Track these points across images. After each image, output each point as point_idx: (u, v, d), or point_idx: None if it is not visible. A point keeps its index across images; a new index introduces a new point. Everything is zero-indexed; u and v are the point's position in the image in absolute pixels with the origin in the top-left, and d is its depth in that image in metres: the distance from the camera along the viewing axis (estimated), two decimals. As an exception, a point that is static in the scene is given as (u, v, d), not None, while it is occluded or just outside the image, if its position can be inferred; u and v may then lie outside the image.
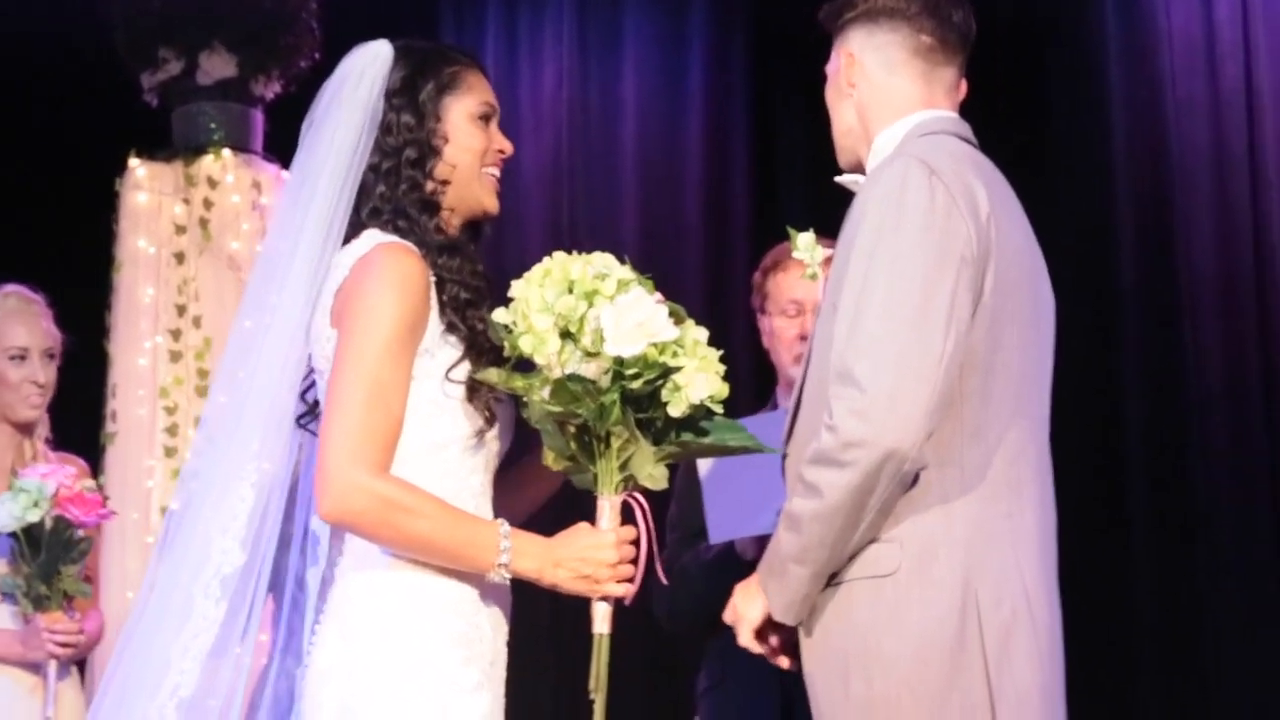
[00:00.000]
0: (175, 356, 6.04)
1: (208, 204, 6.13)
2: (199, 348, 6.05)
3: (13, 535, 4.20)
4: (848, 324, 2.85)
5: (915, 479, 2.85)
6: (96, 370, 6.10)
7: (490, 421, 3.00)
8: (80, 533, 4.24)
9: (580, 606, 3.02)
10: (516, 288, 2.90)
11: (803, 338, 4.18)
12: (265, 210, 6.15)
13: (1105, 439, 6.15)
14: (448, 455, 2.97)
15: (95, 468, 5.61)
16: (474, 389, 2.97)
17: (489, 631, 3.00)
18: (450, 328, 2.99)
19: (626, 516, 2.97)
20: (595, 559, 2.92)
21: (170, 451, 5.97)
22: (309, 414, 3.11)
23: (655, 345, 2.82)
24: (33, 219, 6.60)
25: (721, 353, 2.94)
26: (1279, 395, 6.10)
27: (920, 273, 2.83)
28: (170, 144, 6.32)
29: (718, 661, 4.18)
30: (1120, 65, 6.47)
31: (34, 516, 4.16)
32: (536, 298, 2.85)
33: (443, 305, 2.99)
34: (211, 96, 6.27)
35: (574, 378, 2.83)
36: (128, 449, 6.03)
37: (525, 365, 2.96)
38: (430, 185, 3.08)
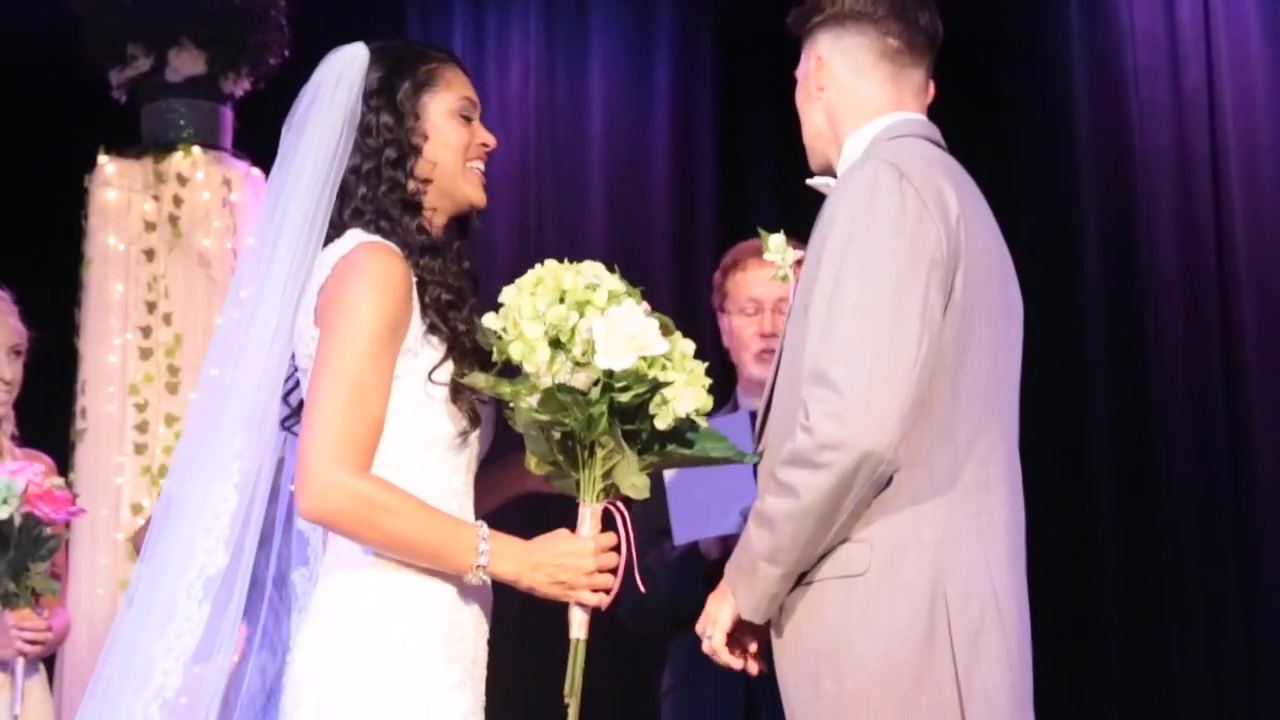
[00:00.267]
0: (145, 353, 6.03)
1: (177, 201, 6.11)
2: (169, 344, 6.03)
3: None
4: (820, 326, 2.87)
5: (888, 480, 2.88)
6: (66, 367, 6.09)
7: (475, 422, 3.02)
8: (49, 530, 4.24)
9: (552, 608, 3.04)
10: (507, 294, 2.90)
11: (763, 336, 4.21)
12: (235, 207, 6.14)
13: (1070, 437, 6.19)
14: (431, 455, 2.99)
15: (64, 465, 5.62)
16: (458, 390, 2.99)
17: (471, 630, 3.01)
18: (432, 329, 3.00)
19: (607, 524, 2.99)
20: (573, 565, 2.94)
21: (140, 448, 5.96)
22: (292, 416, 3.11)
23: (645, 359, 2.84)
24: (1, 216, 6.58)
25: (707, 365, 2.96)
26: (1241, 393, 6.15)
27: (892, 275, 2.86)
28: (139, 141, 6.30)
29: (683, 660, 4.19)
30: (1084, 66, 6.51)
31: (3, 514, 4.15)
32: (528, 306, 2.85)
33: (424, 307, 3.01)
34: (181, 93, 6.24)
35: (563, 388, 2.84)
36: (97, 446, 6.01)
37: (511, 369, 2.97)
38: (411, 185, 3.09)
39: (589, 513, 2.96)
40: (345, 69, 3.15)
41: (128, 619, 3.08)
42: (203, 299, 6.08)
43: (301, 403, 3.08)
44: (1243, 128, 6.26)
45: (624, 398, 2.85)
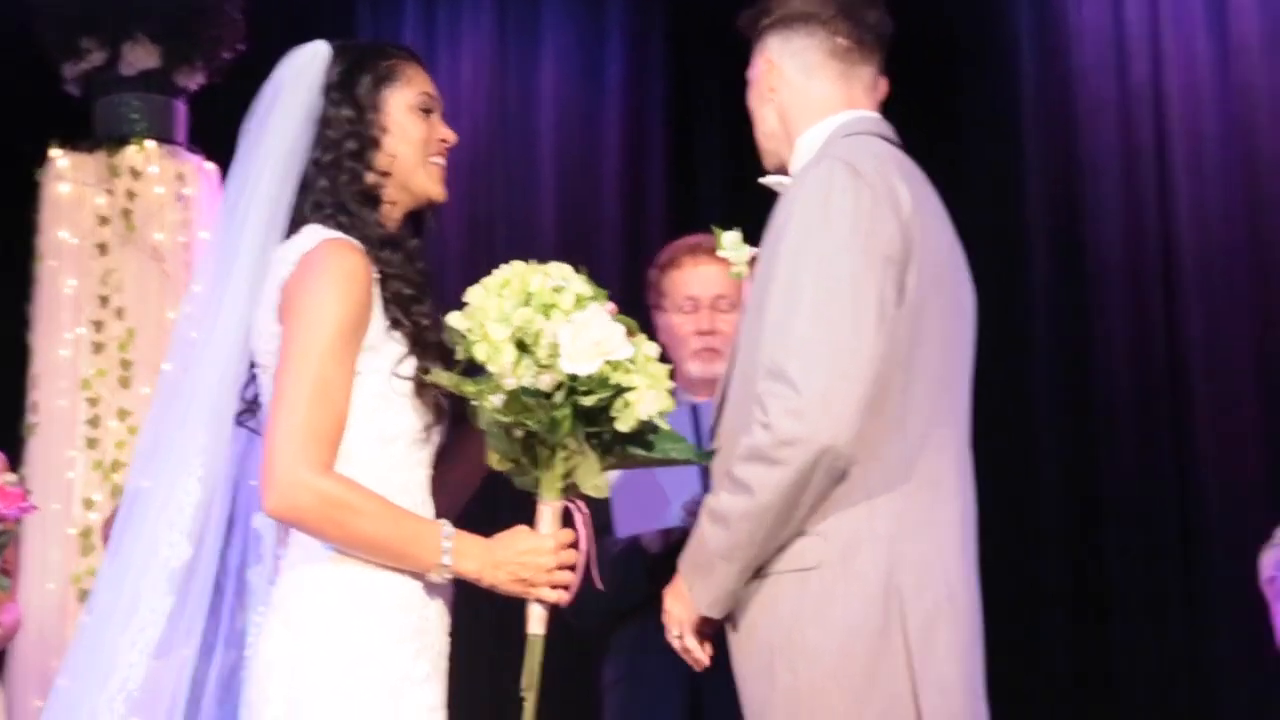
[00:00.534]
0: (98, 348, 6.02)
1: (131, 195, 6.11)
2: (122, 339, 6.02)
3: None
4: (777, 324, 2.90)
5: (843, 474, 2.90)
6: (17, 362, 6.08)
7: (440, 416, 3.03)
8: (0, 526, 4.23)
9: (506, 604, 3.06)
10: (473, 294, 2.91)
11: (700, 334, 4.19)
12: (189, 201, 6.14)
13: (1016, 431, 6.25)
14: (394, 450, 3.00)
15: (15, 460, 5.61)
16: (423, 384, 3.00)
17: (436, 624, 3.02)
18: (394, 324, 3.00)
19: (565, 521, 3.00)
20: (533, 563, 2.95)
21: (92, 443, 5.95)
22: (247, 411, 3.12)
23: (609, 363, 2.85)
24: (-47, 210, 6.56)
25: (670, 367, 2.98)
26: (1184, 388, 6.23)
27: (848, 273, 2.88)
28: (93, 135, 6.29)
29: (625, 654, 4.17)
30: (1032, 62, 6.59)
31: (-47, 510, 4.16)
32: (494, 307, 2.86)
33: (385, 301, 3.01)
34: (134, 87, 6.24)
35: (528, 390, 2.85)
36: (49, 440, 6.01)
37: (474, 367, 2.99)
38: (371, 177, 3.09)
39: (549, 510, 2.97)
40: (306, 65, 3.16)
41: (92, 613, 3.08)
42: (156, 293, 6.07)
43: (256, 398, 3.10)
44: (1188, 124, 6.34)
45: (587, 401, 2.86)
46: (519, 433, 2.92)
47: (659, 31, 7.02)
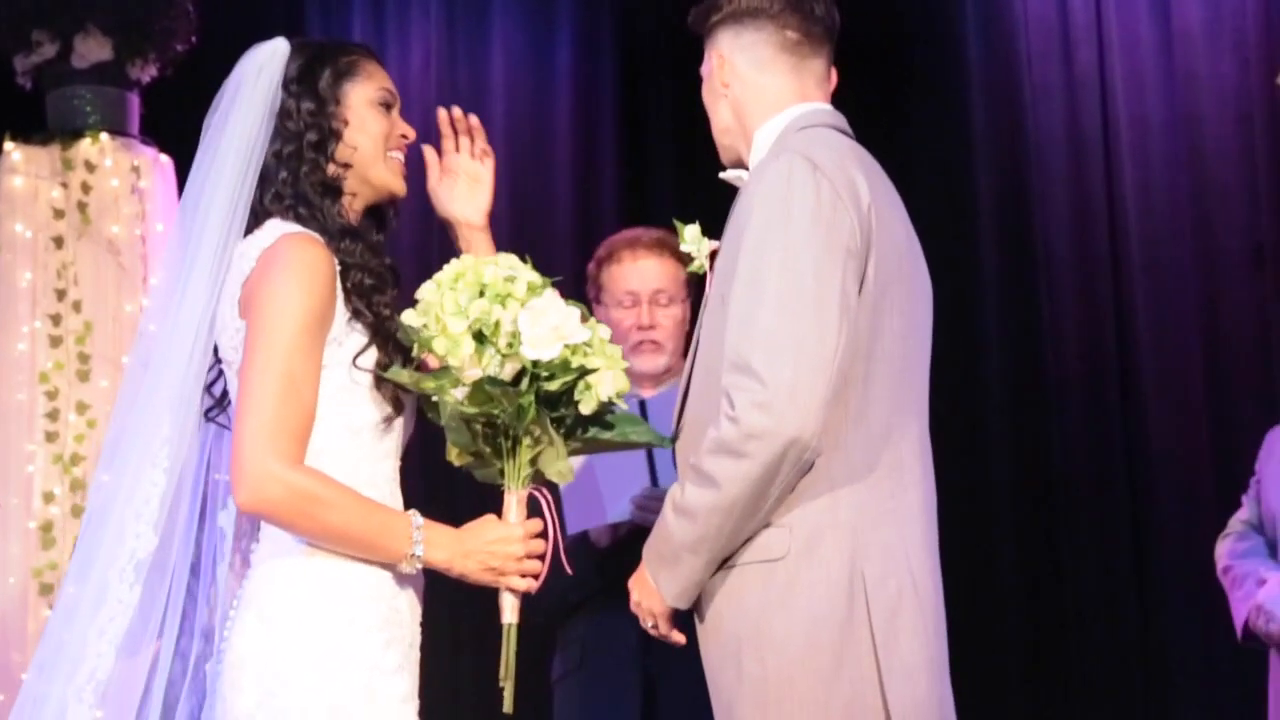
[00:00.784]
0: (55, 341, 6.00)
1: (86, 188, 6.08)
2: (79, 332, 6.01)
3: None
4: (741, 317, 2.93)
5: (809, 465, 2.94)
6: (-27, 356, 6.07)
7: (399, 408, 3.07)
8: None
9: (482, 593, 3.10)
10: (426, 290, 2.95)
11: (640, 328, 4.22)
12: (144, 194, 6.12)
13: (966, 418, 6.28)
14: (361, 441, 3.04)
15: (-28, 454, 5.62)
16: (381, 376, 3.04)
17: (407, 614, 3.07)
18: (355, 314, 3.04)
19: (532, 509, 3.05)
20: (503, 552, 3.00)
21: (51, 436, 5.93)
22: (215, 407, 3.16)
23: (569, 347, 2.90)
24: (-94, 204, 6.52)
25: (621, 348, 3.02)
26: (1134, 373, 6.27)
27: (811, 266, 2.92)
28: (46, 127, 6.26)
29: (575, 647, 4.20)
30: (978, 50, 6.59)
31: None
32: (450, 301, 2.90)
33: (347, 292, 3.05)
34: (87, 80, 6.21)
35: (492, 380, 2.89)
36: (8, 434, 5.98)
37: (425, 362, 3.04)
38: (331, 168, 3.13)
39: (514, 500, 3.02)
40: (267, 61, 3.19)
41: (60, 604, 3.11)
42: (112, 286, 6.06)
43: (224, 393, 3.14)
44: (1133, 109, 6.37)
45: (552, 386, 2.91)
46: (479, 425, 2.96)
47: (608, 19, 7.00)
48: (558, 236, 6.74)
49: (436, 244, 6.44)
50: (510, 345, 2.89)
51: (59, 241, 6.07)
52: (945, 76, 6.68)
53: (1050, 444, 6.34)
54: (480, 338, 2.90)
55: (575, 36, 6.98)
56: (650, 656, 4.08)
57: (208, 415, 3.15)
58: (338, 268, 3.05)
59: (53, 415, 5.95)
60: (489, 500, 3.49)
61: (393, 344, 3.05)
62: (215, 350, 3.12)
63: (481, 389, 2.90)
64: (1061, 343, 6.36)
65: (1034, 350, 6.40)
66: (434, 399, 2.97)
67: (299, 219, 3.10)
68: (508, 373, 2.91)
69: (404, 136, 3.26)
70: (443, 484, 3.73)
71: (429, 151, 3.42)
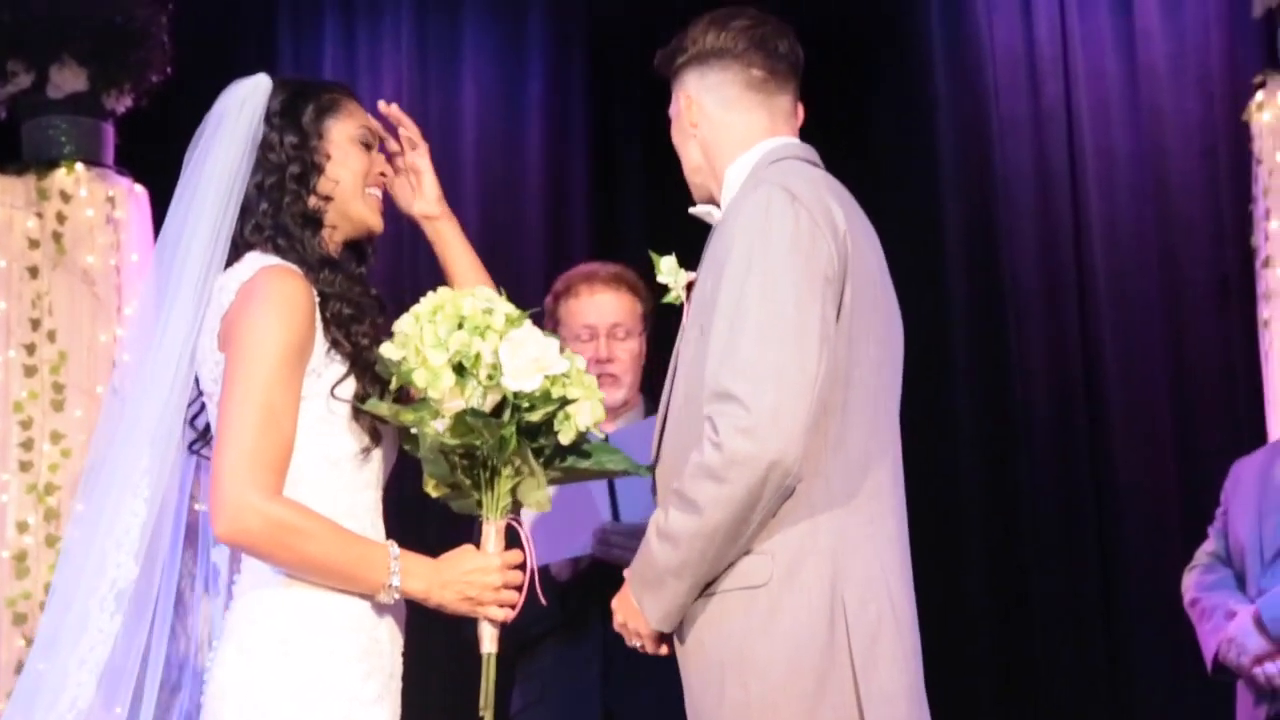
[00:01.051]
0: (30, 371, 5.99)
1: (61, 218, 6.08)
2: (54, 361, 6.00)
3: None
4: (722, 346, 2.97)
5: (790, 491, 2.98)
6: (-51, 385, 6.06)
7: (377, 437, 3.09)
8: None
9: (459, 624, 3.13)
10: (404, 323, 2.98)
11: (598, 362, 4.22)
12: (119, 224, 6.12)
13: (937, 448, 6.31)
14: (340, 472, 3.07)
15: (-53, 483, 5.61)
16: (361, 403, 3.07)
17: (387, 645, 3.09)
18: (334, 344, 3.07)
19: (510, 540, 3.08)
20: (480, 582, 3.03)
21: (25, 466, 5.92)
22: (199, 439, 3.18)
23: (549, 378, 2.93)
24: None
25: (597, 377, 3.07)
26: (1101, 403, 6.32)
27: (792, 295, 2.97)
28: (20, 157, 6.26)
29: (534, 681, 4.19)
30: (946, 82, 6.65)
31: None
32: (429, 334, 2.93)
33: (326, 322, 3.08)
34: (62, 110, 6.20)
35: (474, 412, 2.91)
36: (-19, 463, 6.00)
37: (405, 394, 3.06)
38: (313, 201, 3.17)
39: (492, 530, 3.05)
40: (249, 95, 3.23)
41: (41, 633, 3.13)
42: (87, 316, 6.06)
43: (207, 426, 3.16)
44: (1100, 141, 6.43)
45: (533, 417, 2.94)
46: (458, 456, 2.99)
47: (579, 49, 7.03)
48: (528, 266, 6.74)
49: (409, 268, 6.46)
50: (490, 377, 2.92)
51: (34, 271, 6.07)
52: (913, 108, 6.73)
53: (1018, 474, 6.38)
54: (460, 370, 2.93)
55: (546, 68, 7.00)
56: (610, 690, 4.10)
57: (191, 448, 3.18)
58: (317, 299, 3.09)
59: (27, 445, 5.94)
60: (459, 529, 3.53)
61: (371, 374, 3.08)
62: (197, 383, 3.14)
63: (463, 421, 2.92)
64: (1029, 374, 6.41)
65: (1002, 381, 6.44)
66: (413, 431, 3.00)
67: (278, 250, 3.13)
68: (488, 404, 2.94)
69: (382, 174, 3.31)
70: (411, 514, 3.74)
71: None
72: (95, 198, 6.15)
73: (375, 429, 3.10)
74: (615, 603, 3.17)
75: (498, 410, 2.95)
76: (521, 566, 3.08)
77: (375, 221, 3.28)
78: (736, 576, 3.01)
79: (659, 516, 3.05)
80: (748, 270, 2.99)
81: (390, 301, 3.22)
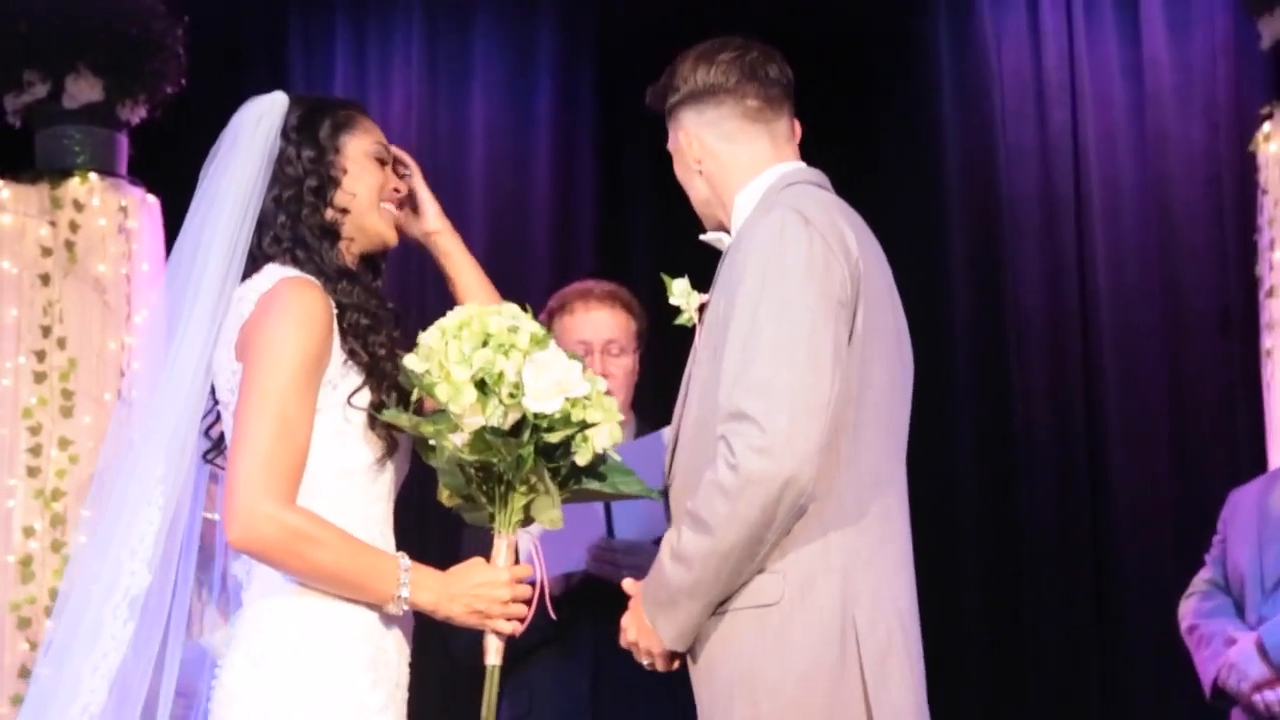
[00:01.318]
0: (39, 377, 6.02)
1: (74, 226, 6.11)
2: (63, 369, 6.03)
3: None
4: (737, 367, 2.99)
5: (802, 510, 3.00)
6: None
7: (392, 448, 3.13)
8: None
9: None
10: (430, 336, 3.01)
11: None
12: (131, 233, 6.16)
13: (938, 471, 6.32)
14: (353, 484, 3.10)
15: (-45, 487, 5.65)
16: (377, 413, 3.10)
17: (394, 655, 3.12)
18: (352, 354, 3.10)
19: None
20: (489, 595, 3.07)
21: (33, 472, 5.95)
22: (213, 449, 3.22)
23: (570, 400, 2.96)
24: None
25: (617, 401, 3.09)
26: (1101, 430, 6.36)
27: (806, 317, 2.99)
28: (35, 166, 6.30)
29: (524, 692, 4.18)
30: (954, 108, 6.68)
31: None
32: (455, 349, 2.96)
33: (344, 332, 3.11)
34: (77, 120, 6.24)
35: (493, 430, 2.94)
36: (-11, 469, 6.03)
37: (419, 403, 3.08)
38: (330, 213, 3.21)
39: (504, 544, 3.08)
40: (266, 111, 3.26)
41: (54, 641, 3.16)
42: (97, 324, 6.09)
43: (222, 435, 3.19)
44: (1106, 170, 6.47)
45: (552, 438, 2.97)
46: (473, 470, 3.02)
47: (588, 66, 7.06)
48: (534, 281, 6.71)
49: (415, 282, 6.49)
50: (512, 395, 2.95)
51: (45, 279, 6.10)
52: (920, 133, 6.76)
53: (1017, 499, 6.41)
54: (481, 386, 2.95)
55: (556, 84, 7.03)
56: (600, 706, 4.12)
57: (205, 457, 3.21)
58: (334, 310, 3.12)
59: (35, 450, 5.97)
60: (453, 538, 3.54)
61: (388, 384, 3.11)
62: (213, 393, 3.17)
63: (481, 438, 2.95)
64: (1030, 398, 6.43)
65: (1003, 405, 6.47)
66: (431, 443, 3.03)
67: (296, 262, 3.16)
68: (507, 421, 2.96)
69: (396, 190, 3.34)
70: (411, 524, 3.77)
71: None
72: (108, 207, 6.19)
73: (392, 440, 3.13)
74: (625, 621, 3.18)
75: (517, 428, 2.97)
76: (531, 581, 3.10)
77: (390, 235, 3.32)
78: (748, 595, 3.03)
79: (672, 537, 3.06)
80: (761, 292, 3.02)
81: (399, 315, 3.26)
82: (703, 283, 3.29)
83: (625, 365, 4.30)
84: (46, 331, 6.06)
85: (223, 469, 3.15)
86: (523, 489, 3.02)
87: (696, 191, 3.32)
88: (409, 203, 3.44)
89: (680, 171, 3.34)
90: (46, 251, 6.12)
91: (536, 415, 2.95)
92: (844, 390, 3.02)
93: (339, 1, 7.12)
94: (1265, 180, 5.85)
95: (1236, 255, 6.24)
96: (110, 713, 3.08)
